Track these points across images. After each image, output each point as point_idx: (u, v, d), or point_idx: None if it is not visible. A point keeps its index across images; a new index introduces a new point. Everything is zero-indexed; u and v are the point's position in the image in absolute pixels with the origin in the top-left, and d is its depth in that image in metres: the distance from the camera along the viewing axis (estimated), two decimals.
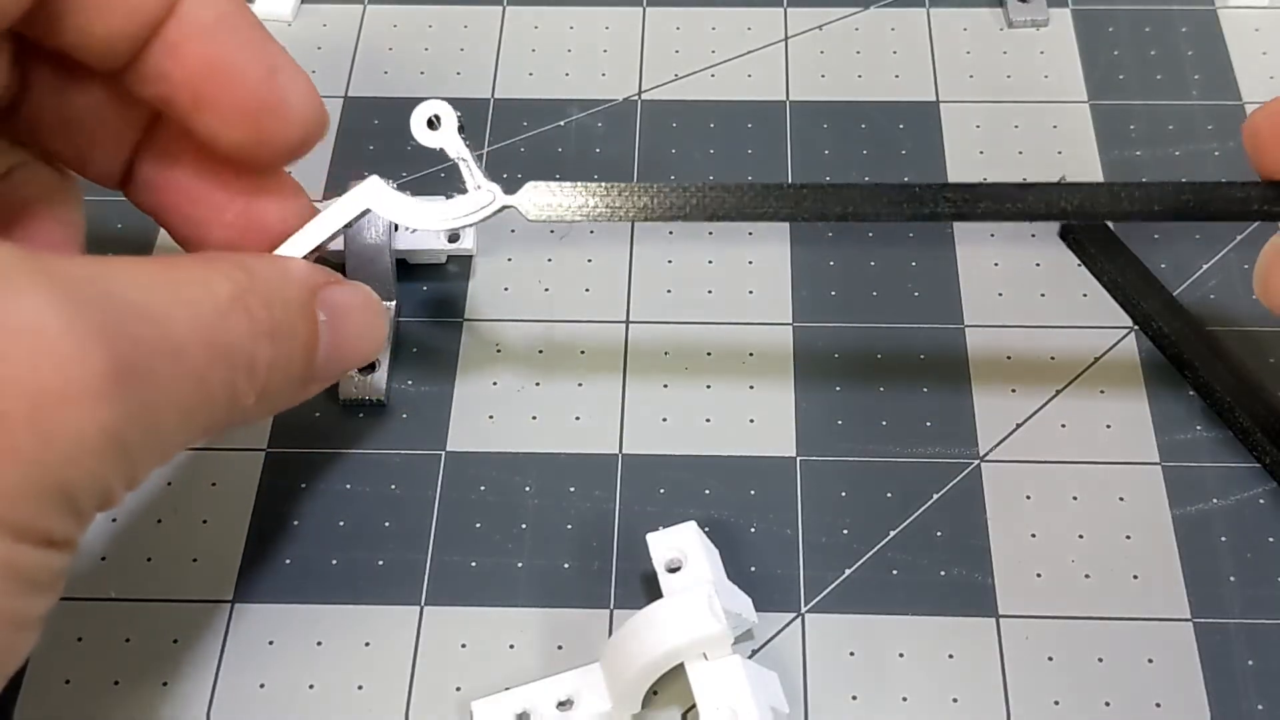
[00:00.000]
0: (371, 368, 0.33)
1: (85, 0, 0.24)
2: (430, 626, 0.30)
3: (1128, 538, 0.31)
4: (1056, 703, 0.29)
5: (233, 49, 0.25)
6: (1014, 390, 0.33)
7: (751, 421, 0.33)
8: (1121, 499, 0.32)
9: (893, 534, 0.31)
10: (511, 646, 0.30)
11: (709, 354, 0.34)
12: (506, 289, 0.36)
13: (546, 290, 0.35)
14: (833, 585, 0.31)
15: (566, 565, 0.31)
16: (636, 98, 0.39)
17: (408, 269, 0.35)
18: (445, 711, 0.29)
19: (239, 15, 0.26)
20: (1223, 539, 0.31)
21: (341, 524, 0.32)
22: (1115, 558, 0.31)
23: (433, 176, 0.37)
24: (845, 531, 0.31)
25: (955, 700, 0.29)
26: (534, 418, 0.33)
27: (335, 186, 0.37)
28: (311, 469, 0.32)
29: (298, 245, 0.27)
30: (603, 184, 0.27)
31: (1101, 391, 0.33)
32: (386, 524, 0.32)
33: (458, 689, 0.29)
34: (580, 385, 0.34)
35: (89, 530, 0.21)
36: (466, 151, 0.27)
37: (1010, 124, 0.39)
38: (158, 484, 0.32)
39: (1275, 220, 0.25)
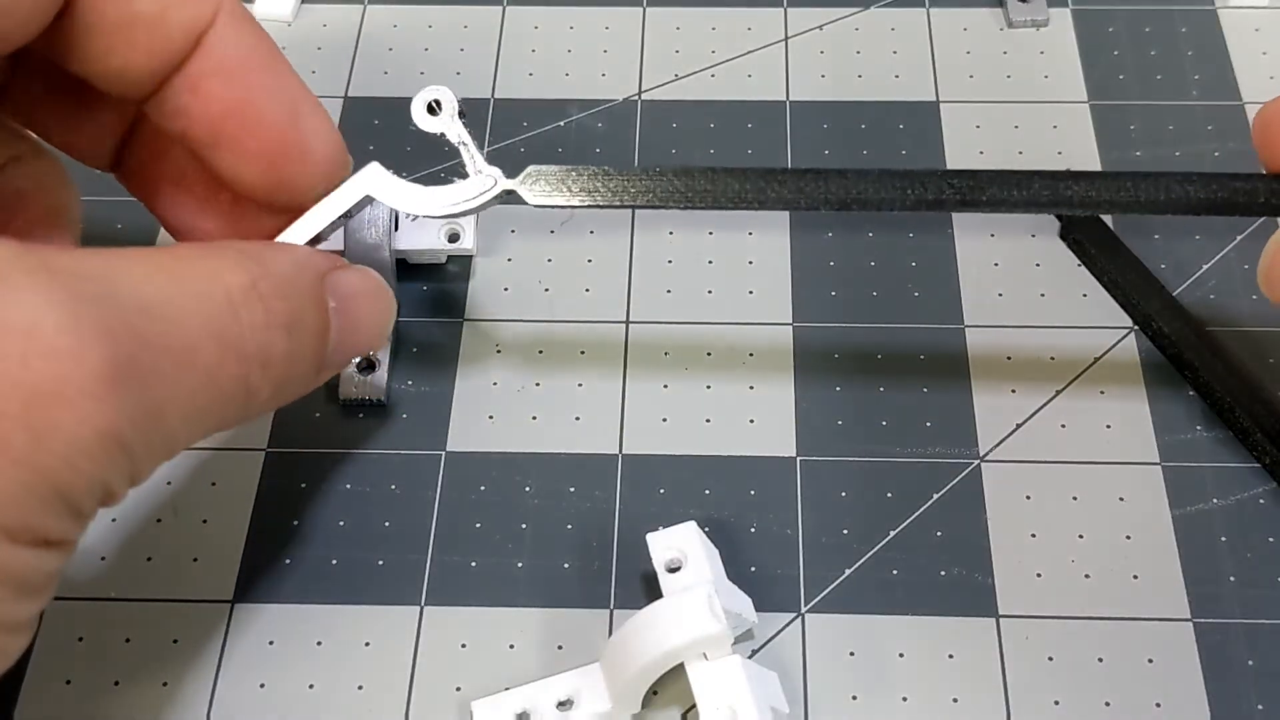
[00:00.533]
0: (371, 367, 0.33)
1: (105, 29, 0.23)
2: (430, 626, 0.30)
3: (1128, 538, 0.31)
4: (1056, 703, 0.29)
5: (257, 89, 0.25)
6: (1014, 390, 0.33)
7: (751, 421, 0.33)
8: (1121, 499, 0.32)
9: (893, 534, 0.31)
10: (511, 646, 0.30)
11: (709, 354, 0.34)
12: (506, 289, 0.36)
13: (546, 290, 0.35)
14: (833, 585, 0.31)
15: (566, 565, 0.31)
16: (636, 98, 0.39)
17: (408, 269, 0.35)
18: (445, 711, 0.29)
19: (265, 54, 0.25)
20: (1223, 539, 0.31)
21: (341, 524, 0.32)
22: (1115, 558, 0.31)
23: (433, 176, 0.37)
24: (845, 531, 0.31)
25: (955, 700, 0.29)
26: (534, 418, 0.33)
27: None
28: (311, 469, 0.32)
29: (298, 233, 0.26)
30: (607, 168, 0.27)
31: (1101, 391, 0.33)
32: (386, 524, 0.32)
33: (458, 689, 0.29)
34: (580, 385, 0.34)
35: (89, 530, 0.21)
36: (467, 136, 0.27)
37: (1010, 124, 0.39)
38: (158, 484, 0.32)
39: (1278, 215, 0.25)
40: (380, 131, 0.39)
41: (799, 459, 0.32)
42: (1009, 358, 0.34)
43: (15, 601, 0.20)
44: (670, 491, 0.32)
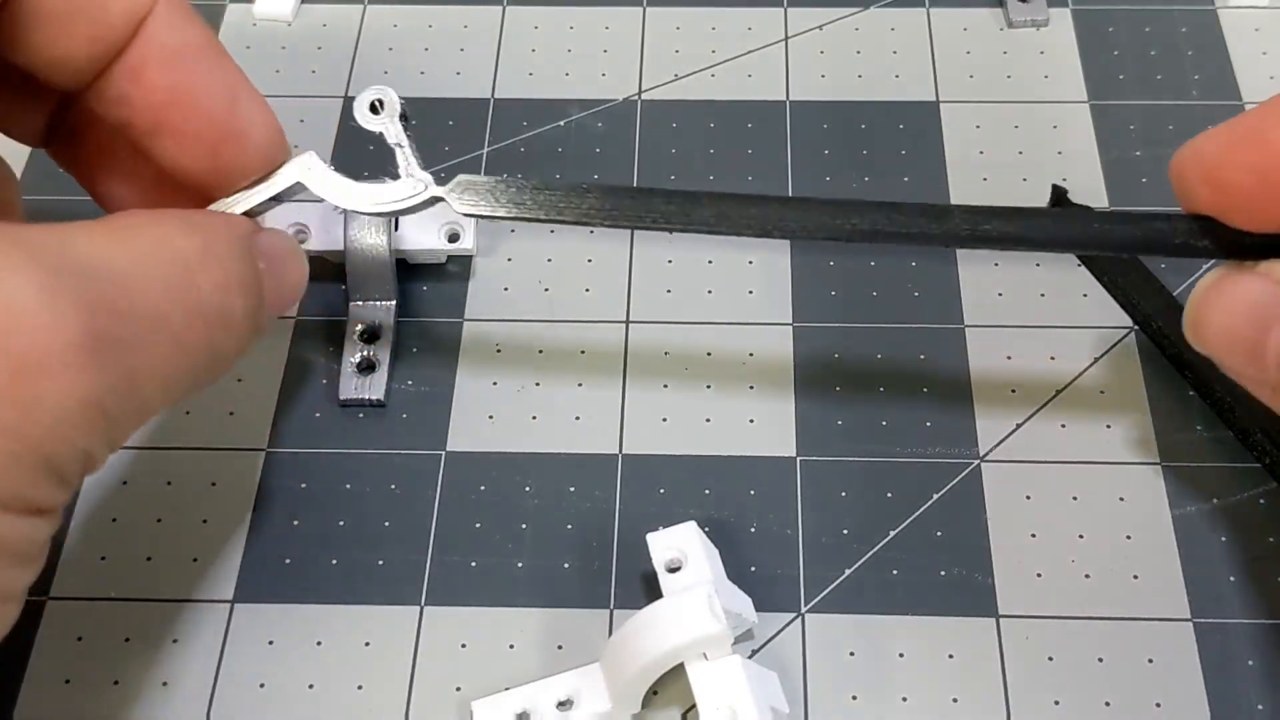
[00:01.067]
0: (371, 368, 0.33)
1: (46, 18, 0.23)
2: (430, 626, 0.30)
3: (1128, 538, 0.31)
4: (1056, 703, 0.29)
5: (197, 75, 0.25)
6: (1014, 390, 0.33)
7: (751, 421, 0.33)
8: (1121, 499, 0.32)
9: (893, 534, 0.31)
10: (511, 646, 0.30)
11: (709, 354, 0.34)
12: (506, 289, 0.36)
13: (546, 290, 0.35)
14: (833, 585, 0.31)
15: (566, 565, 0.31)
16: (636, 98, 0.39)
17: (408, 269, 0.35)
18: (445, 711, 0.29)
19: (203, 42, 0.25)
20: (1223, 539, 0.31)
21: (341, 524, 0.32)
22: (1115, 558, 0.31)
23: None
24: (845, 531, 0.31)
25: (955, 700, 0.29)
26: (534, 418, 0.33)
27: None
28: (311, 469, 0.32)
29: (226, 208, 0.27)
30: (540, 181, 0.27)
31: (1101, 392, 0.33)
32: (386, 524, 0.32)
33: (458, 689, 0.29)
34: (580, 385, 0.34)
35: (89, 531, 0.21)
36: (405, 139, 0.27)
37: (1010, 124, 0.39)
38: (157, 484, 0.32)
39: (1195, 256, 0.25)
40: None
41: (799, 459, 0.32)
42: (1009, 357, 0.34)
43: (10, 569, 0.20)
44: (670, 491, 0.32)
